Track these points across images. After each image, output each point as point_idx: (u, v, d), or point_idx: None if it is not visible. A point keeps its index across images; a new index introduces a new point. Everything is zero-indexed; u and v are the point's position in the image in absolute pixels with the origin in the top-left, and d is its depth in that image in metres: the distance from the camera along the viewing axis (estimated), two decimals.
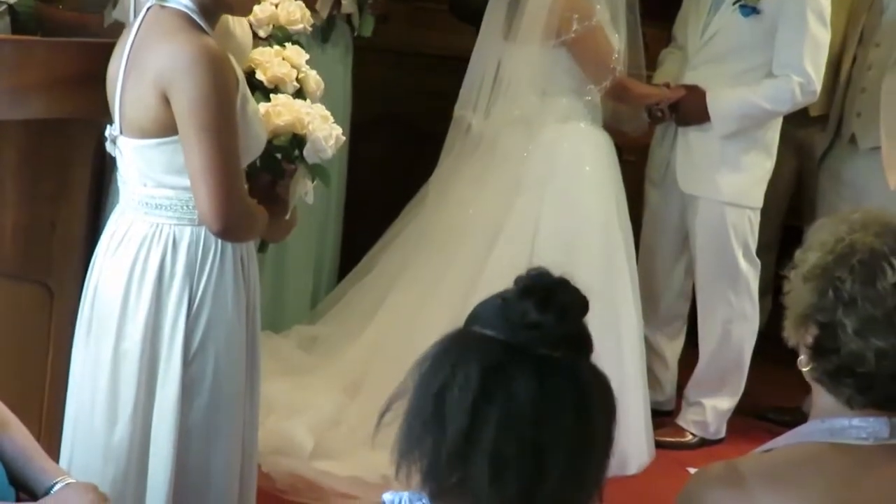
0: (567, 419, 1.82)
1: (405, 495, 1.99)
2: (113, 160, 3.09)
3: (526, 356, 1.83)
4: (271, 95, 3.28)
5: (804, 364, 2.06)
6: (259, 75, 3.32)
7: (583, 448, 1.86)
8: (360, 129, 5.28)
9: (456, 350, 1.88)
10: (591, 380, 1.87)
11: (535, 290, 1.87)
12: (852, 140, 5.16)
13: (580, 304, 1.88)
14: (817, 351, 2.03)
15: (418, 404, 1.89)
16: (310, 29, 3.72)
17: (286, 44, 3.49)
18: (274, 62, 3.36)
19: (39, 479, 2.60)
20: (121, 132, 2.94)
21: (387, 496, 1.99)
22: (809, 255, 2.04)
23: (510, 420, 1.81)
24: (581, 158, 4.86)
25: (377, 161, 5.92)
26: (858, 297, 1.99)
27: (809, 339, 2.03)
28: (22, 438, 2.67)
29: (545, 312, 1.84)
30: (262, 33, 3.57)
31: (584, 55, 4.74)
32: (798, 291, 2.03)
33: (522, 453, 1.82)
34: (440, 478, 1.87)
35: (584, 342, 1.88)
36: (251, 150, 2.99)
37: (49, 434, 3.29)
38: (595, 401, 1.86)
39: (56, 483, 2.58)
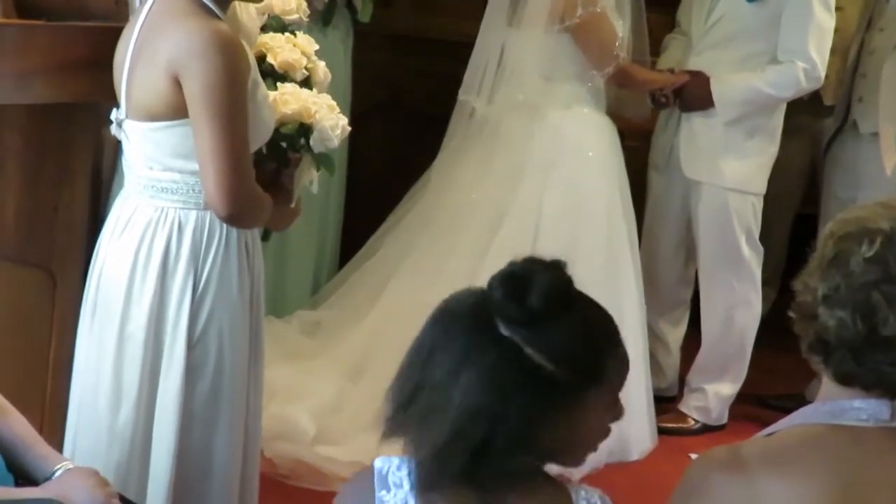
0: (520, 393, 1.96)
1: (395, 460, 2.06)
2: (117, 144, 3.09)
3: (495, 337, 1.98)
4: (278, 84, 3.28)
5: (796, 329, 2.07)
6: (270, 59, 3.32)
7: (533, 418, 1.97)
8: (363, 115, 5.27)
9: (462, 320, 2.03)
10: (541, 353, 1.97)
11: (506, 278, 2.01)
12: (854, 126, 5.15)
13: (545, 286, 1.98)
14: (801, 317, 2.04)
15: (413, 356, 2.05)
16: (306, 19, 3.72)
17: (297, 32, 3.49)
18: (285, 48, 3.36)
19: (40, 466, 2.60)
20: (127, 116, 2.95)
21: (377, 462, 2.06)
22: (830, 224, 2.06)
23: (475, 387, 1.95)
24: (584, 144, 4.86)
25: (379, 147, 5.92)
26: (833, 266, 2.00)
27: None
28: (20, 426, 2.67)
29: (508, 301, 1.98)
30: (258, 22, 3.57)
31: (587, 40, 4.74)
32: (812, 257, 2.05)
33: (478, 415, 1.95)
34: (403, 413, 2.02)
35: (543, 318, 1.98)
36: (260, 135, 2.99)
37: (52, 418, 3.30)
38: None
39: (57, 469, 2.58)
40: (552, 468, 2.10)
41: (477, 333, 1.99)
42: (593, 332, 2.05)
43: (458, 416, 1.95)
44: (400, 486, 2.03)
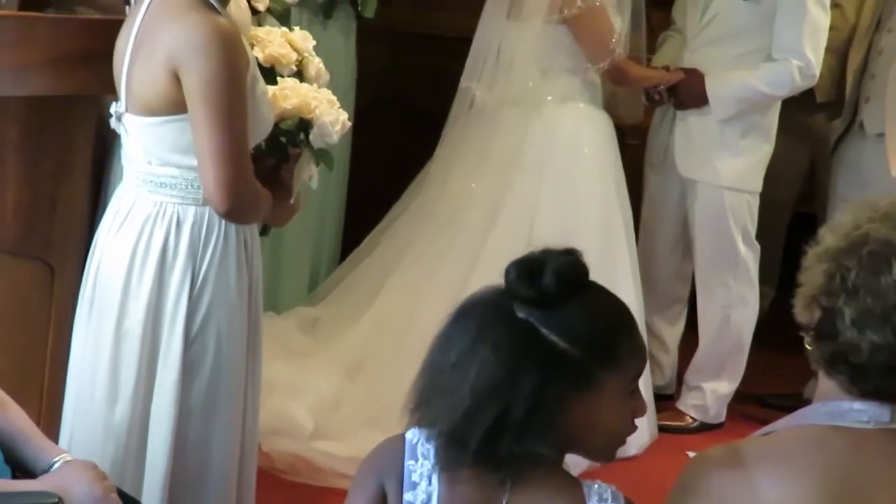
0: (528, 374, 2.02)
1: (425, 432, 2.13)
2: (115, 137, 3.08)
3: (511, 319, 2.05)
4: (278, 78, 3.27)
5: (807, 344, 2.06)
6: (257, 52, 3.31)
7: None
8: (365, 111, 5.27)
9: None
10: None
11: (522, 262, 2.09)
12: (861, 126, 5.15)
13: (559, 268, 2.06)
14: (818, 334, 2.03)
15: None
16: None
17: (295, 27, 3.48)
18: (275, 42, 3.35)
19: (38, 458, 2.60)
20: (126, 110, 2.94)
21: (409, 433, 2.14)
22: (827, 236, 2.04)
23: (491, 363, 2.02)
24: (579, 140, 4.87)
25: (381, 143, 5.91)
26: (861, 289, 1.98)
27: (813, 322, 2.03)
28: (18, 418, 2.66)
29: (521, 282, 2.05)
30: (260, 7, 3.57)
31: (584, 33, 4.75)
32: (811, 270, 2.03)
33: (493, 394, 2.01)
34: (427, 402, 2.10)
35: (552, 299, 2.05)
36: (259, 131, 2.98)
37: (49, 412, 3.29)
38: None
39: (56, 461, 2.57)
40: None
41: (493, 317, 2.06)
42: (607, 315, 2.12)
43: (474, 392, 2.01)
44: (427, 457, 2.11)
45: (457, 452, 2.05)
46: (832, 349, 2.01)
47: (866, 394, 2.02)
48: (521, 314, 2.04)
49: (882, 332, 1.96)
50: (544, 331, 2.03)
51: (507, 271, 2.07)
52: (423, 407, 2.09)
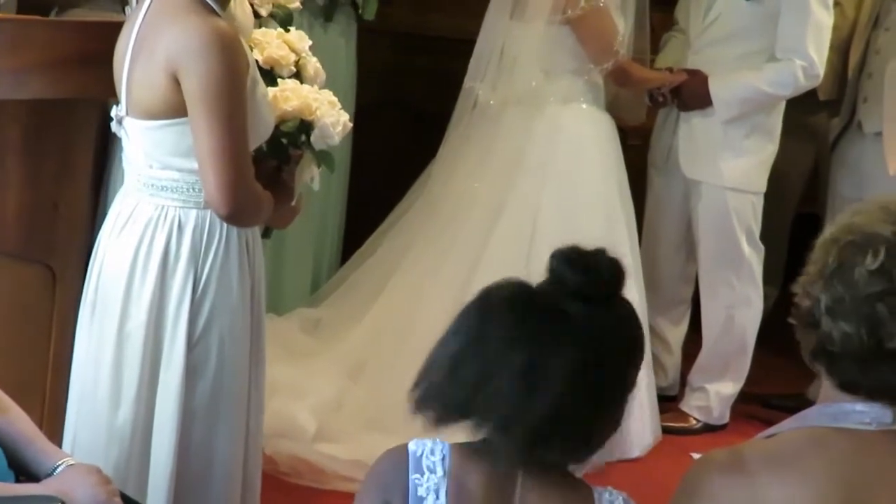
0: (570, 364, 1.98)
1: (428, 443, 2.09)
2: (117, 140, 3.08)
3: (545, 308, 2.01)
4: (279, 80, 3.27)
5: (798, 336, 2.07)
6: (256, 55, 3.31)
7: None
8: (366, 112, 5.27)
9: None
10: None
11: (573, 256, 2.04)
12: (860, 126, 5.15)
13: (611, 263, 2.03)
14: (804, 324, 2.04)
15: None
16: (300, 6, 3.73)
17: (290, 28, 3.48)
18: (273, 43, 3.34)
19: (41, 462, 2.60)
20: (127, 113, 2.94)
21: (411, 444, 2.08)
22: (830, 228, 2.05)
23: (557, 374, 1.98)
24: (582, 140, 4.87)
25: (382, 144, 5.91)
26: (835, 277, 1.99)
27: (802, 311, 2.04)
28: (21, 422, 2.67)
29: (577, 275, 2.01)
30: (263, 12, 3.57)
31: (587, 34, 4.74)
32: (811, 261, 2.04)
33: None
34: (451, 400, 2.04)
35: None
36: (259, 134, 2.98)
37: (52, 415, 3.29)
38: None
39: (59, 465, 2.58)
40: None
41: (547, 318, 2.00)
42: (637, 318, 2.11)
43: (550, 399, 1.97)
44: (433, 470, 2.06)
45: (512, 448, 2.01)
46: (815, 340, 2.01)
47: (845, 386, 2.02)
48: (578, 309, 2.00)
49: (850, 321, 1.96)
50: (594, 326, 2.00)
51: (557, 267, 2.03)
52: (472, 403, 2.03)
